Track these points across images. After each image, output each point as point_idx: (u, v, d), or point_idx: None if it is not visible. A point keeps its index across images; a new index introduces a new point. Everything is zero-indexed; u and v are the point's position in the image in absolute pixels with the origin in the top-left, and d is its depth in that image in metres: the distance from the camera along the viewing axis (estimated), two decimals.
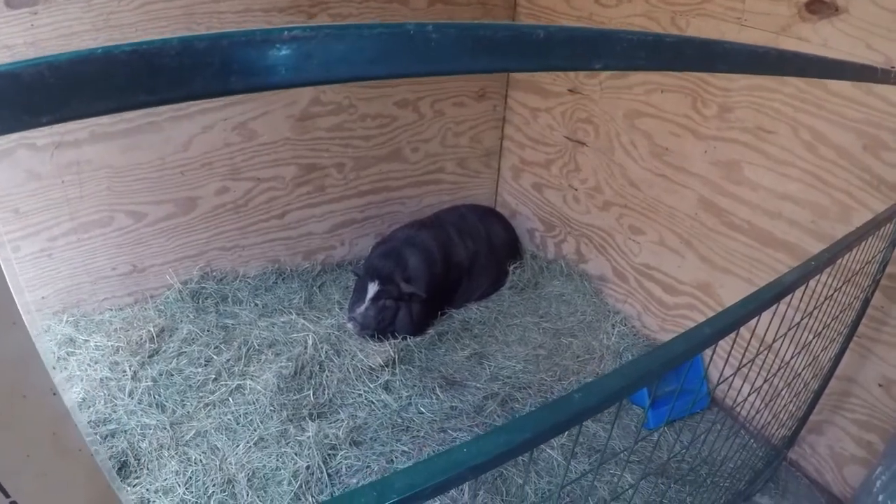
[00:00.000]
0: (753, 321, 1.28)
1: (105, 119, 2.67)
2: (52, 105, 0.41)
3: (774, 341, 1.53)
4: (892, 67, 1.41)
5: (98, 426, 2.37)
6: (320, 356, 2.79)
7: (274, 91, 0.49)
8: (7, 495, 0.53)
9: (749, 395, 1.71)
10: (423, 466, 0.78)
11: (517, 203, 3.84)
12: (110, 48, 0.42)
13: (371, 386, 2.70)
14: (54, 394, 0.52)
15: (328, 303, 3.26)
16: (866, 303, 2.04)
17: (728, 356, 1.44)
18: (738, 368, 1.53)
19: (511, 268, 3.58)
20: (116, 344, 2.73)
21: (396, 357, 2.83)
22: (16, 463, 0.52)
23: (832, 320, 1.87)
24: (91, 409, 2.43)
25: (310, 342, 2.82)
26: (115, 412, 2.43)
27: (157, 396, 2.54)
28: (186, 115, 2.86)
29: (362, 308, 2.94)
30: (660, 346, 1.06)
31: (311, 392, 2.60)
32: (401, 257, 3.06)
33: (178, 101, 0.46)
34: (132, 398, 2.50)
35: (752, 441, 2.27)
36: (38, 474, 0.54)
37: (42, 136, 2.61)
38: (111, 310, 3.04)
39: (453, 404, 2.67)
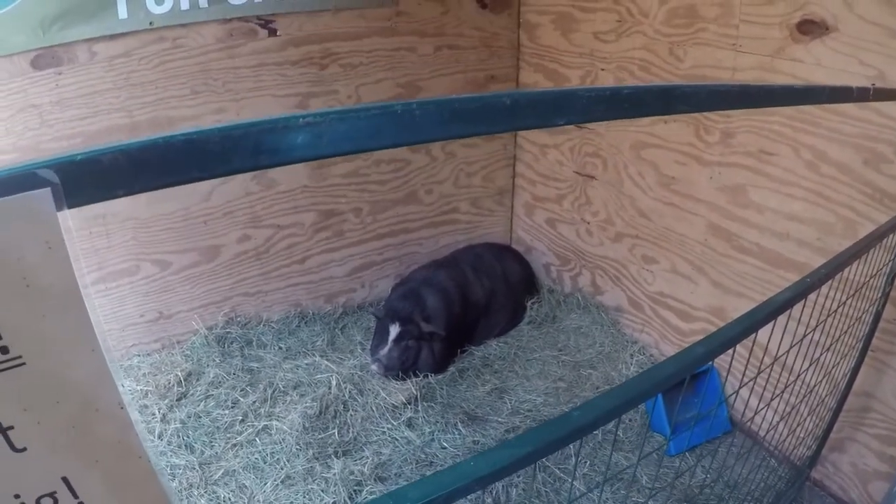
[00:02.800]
0: (763, 338, 1.30)
1: None
2: (125, 182, 0.53)
3: (777, 358, 1.54)
4: (873, 85, 1.45)
5: None
6: (344, 396, 2.84)
7: None
8: (76, 496, 0.59)
9: (760, 409, 1.70)
10: (434, 478, 0.85)
11: (532, 239, 3.90)
12: (169, 137, 0.54)
13: (394, 423, 2.73)
14: (121, 407, 0.59)
15: (350, 344, 3.32)
16: (878, 316, 2.04)
17: (728, 370, 1.46)
18: (740, 386, 1.54)
19: (529, 303, 3.61)
20: (145, 388, 2.80)
21: (418, 394, 2.86)
22: (87, 466, 0.59)
23: (842, 334, 1.88)
24: None
25: (333, 383, 2.86)
26: None
27: (185, 438, 2.59)
28: None
29: (386, 350, 2.99)
30: (653, 366, 1.11)
31: (335, 431, 2.64)
32: (419, 298, 3.11)
33: (222, 176, 0.58)
34: (162, 440, 2.56)
35: (772, 460, 2.25)
36: (104, 477, 0.61)
37: None
38: (139, 355, 3.11)
39: (475, 439, 2.68)
